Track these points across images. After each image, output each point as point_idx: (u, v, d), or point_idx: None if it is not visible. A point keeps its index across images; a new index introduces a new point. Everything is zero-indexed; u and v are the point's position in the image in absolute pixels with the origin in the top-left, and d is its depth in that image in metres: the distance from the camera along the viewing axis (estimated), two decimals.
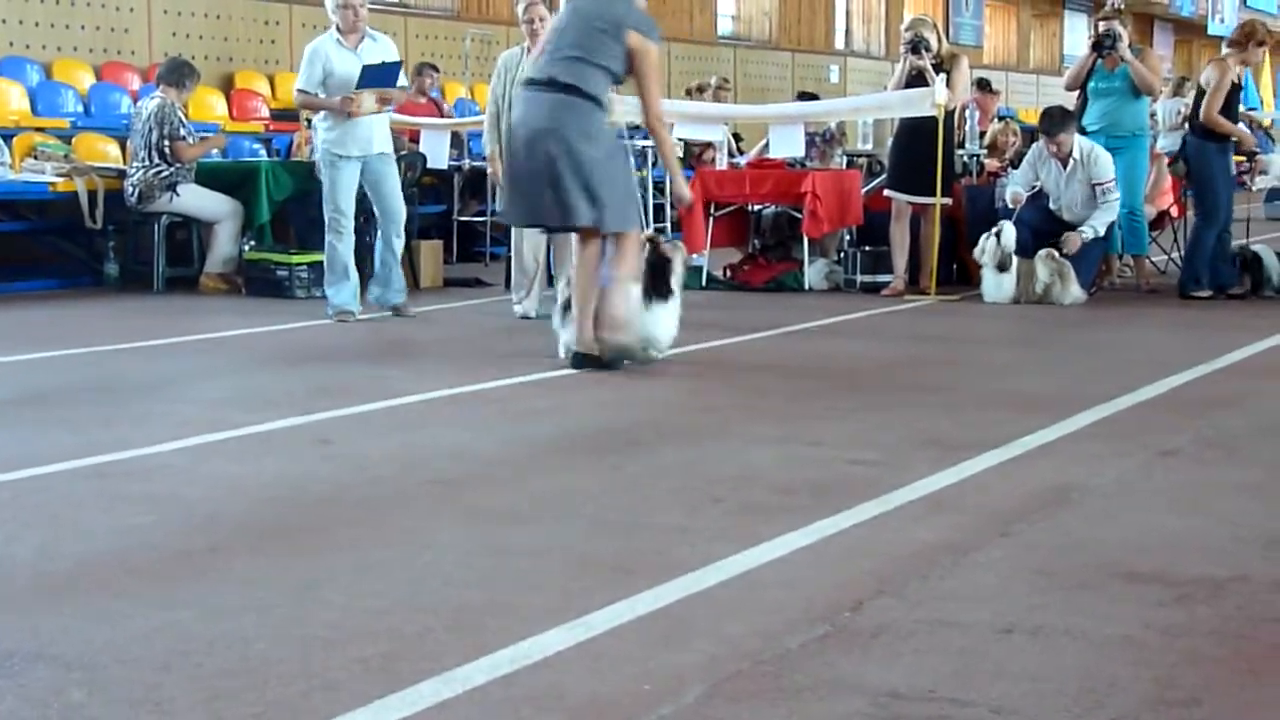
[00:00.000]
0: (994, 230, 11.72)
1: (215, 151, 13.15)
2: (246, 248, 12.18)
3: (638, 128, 15.35)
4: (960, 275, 12.80)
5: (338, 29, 10.55)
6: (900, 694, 3.50)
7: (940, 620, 4.03)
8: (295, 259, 11.94)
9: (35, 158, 12.53)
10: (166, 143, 12.05)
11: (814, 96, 16.40)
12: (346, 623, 4.03)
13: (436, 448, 6.31)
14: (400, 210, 10.72)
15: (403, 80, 10.89)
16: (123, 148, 13.40)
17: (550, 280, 10.67)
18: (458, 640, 3.87)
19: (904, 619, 4.04)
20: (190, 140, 12.22)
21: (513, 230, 10.77)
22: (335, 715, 3.36)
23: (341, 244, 10.51)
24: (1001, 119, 15.47)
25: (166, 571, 4.48)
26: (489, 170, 11.26)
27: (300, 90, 10.64)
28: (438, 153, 14.16)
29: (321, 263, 11.91)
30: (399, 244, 10.74)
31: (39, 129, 13.18)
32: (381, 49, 10.64)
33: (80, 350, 9.07)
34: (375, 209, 10.73)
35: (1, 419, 6.90)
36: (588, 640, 3.86)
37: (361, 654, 3.78)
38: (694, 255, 12.50)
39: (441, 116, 15.40)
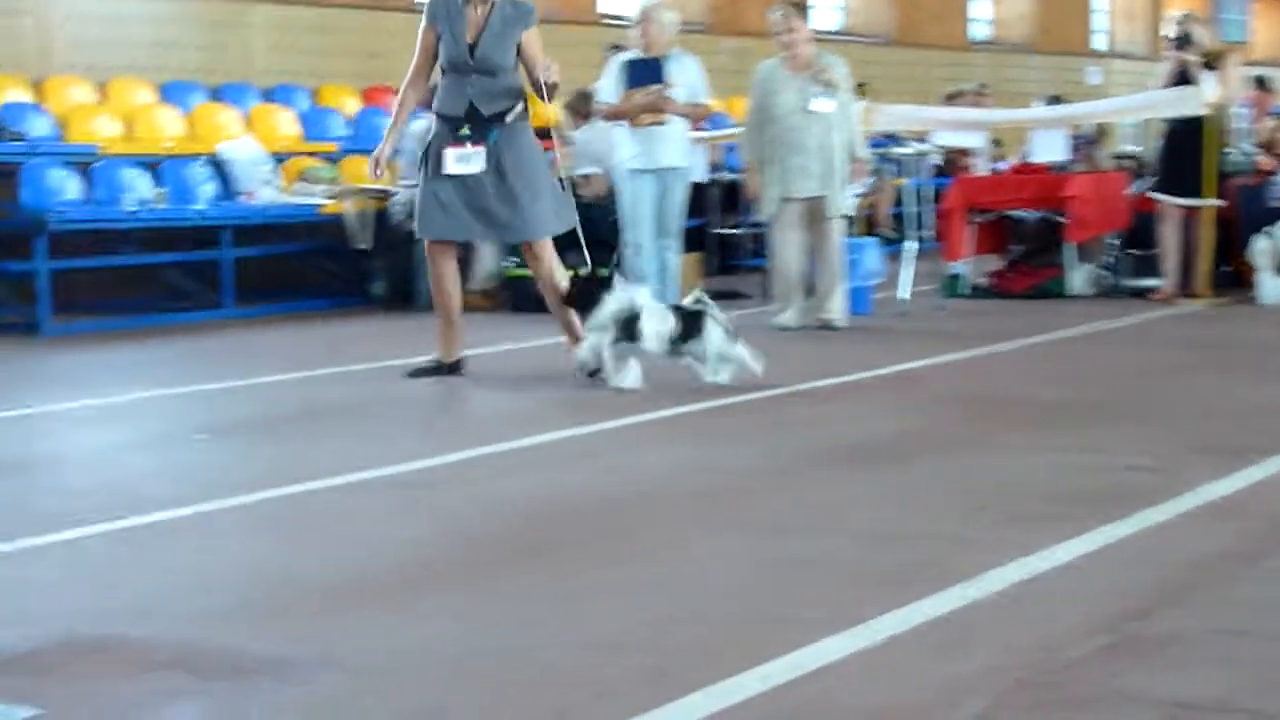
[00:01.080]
0: (1269, 230, 11.31)
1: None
2: (509, 265, 12.35)
3: (891, 136, 15.23)
4: (1234, 279, 12.37)
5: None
6: (1193, 705, 3.38)
7: (1232, 630, 3.88)
8: None
9: (305, 180, 12.91)
10: None
11: (1060, 100, 16.05)
12: (620, 633, 4.04)
13: (700, 459, 6.31)
14: (678, 227, 10.75)
15: (702, 97, 10.85)
16: (389, 170, 13.69)
17: (810, 291, 10.61)
18: (731, 650, 3.84)
19: (1195, 628, 3.90)
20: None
21: (772, 242, 10.74)
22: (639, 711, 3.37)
23: (639, 257, 10.59)
24: (1276, 116, 14.95)
25: (442, 583, 4.54)
26: (746, 182, 11.23)
27: (602, 101, 10.78)
28: (695, 167, 14.18)
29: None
30: (673, 259, 10.76)
31: (308, 153, 13.57)
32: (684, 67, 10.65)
33: (348, 368, 9.28)
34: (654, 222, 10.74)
35: (279, 434, 7.10)
36: (863, 650, 3.81)
37: (638, 663, 3.78)
38: (953, 263, 12.34)
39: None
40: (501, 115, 8.37)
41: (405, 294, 12.61)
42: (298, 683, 3.67)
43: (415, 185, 12.33)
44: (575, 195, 12.54)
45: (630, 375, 7.97)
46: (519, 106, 8.45)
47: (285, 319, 12.11)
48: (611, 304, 7.92)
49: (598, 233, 12.46)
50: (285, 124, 13.94)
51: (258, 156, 12.75)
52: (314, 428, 7.27)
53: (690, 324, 7.93)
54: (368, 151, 13.90)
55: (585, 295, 8.04)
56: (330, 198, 12.68)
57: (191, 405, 7.95)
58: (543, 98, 8.42)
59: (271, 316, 12.18)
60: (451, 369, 8.63)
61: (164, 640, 4.02)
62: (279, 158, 13.09)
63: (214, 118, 13.40)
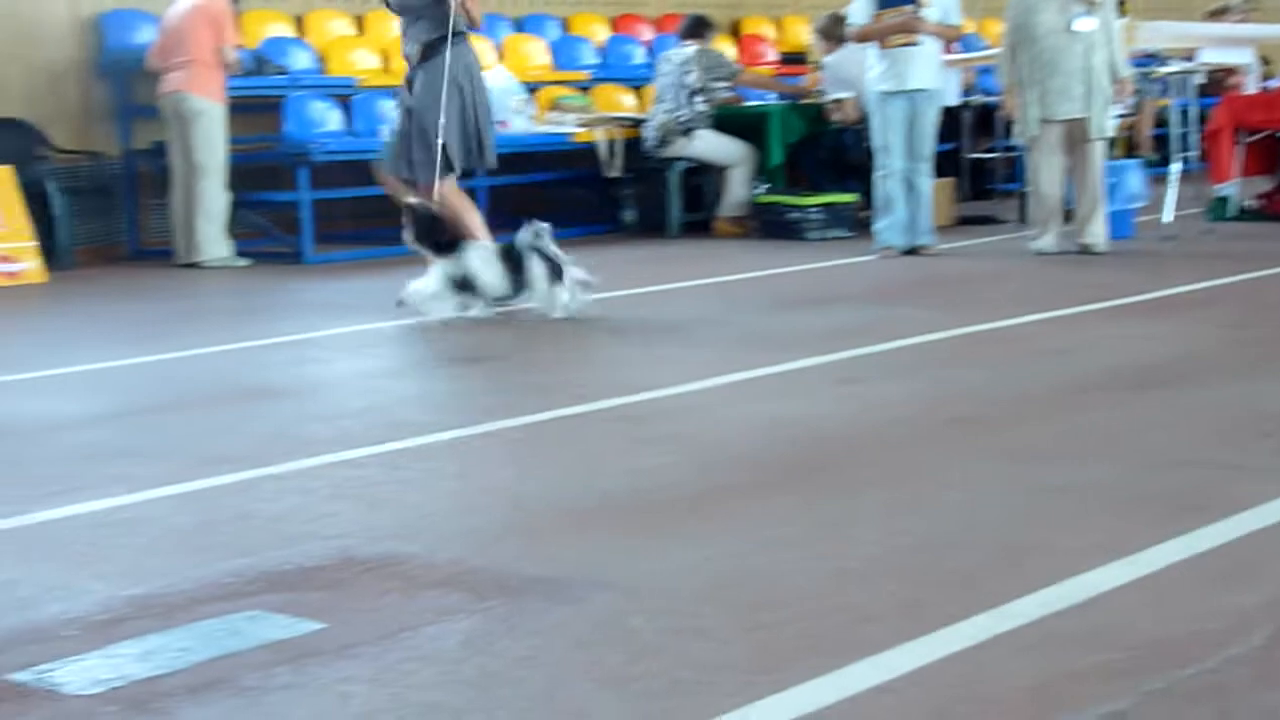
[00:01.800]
0: None
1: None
2: (759, 191, 12.31)
3: (1154, 55, 14.74)
4: None
5: None
6: None
7: None
8: (807, 201, 11.98)
9: (557, 110, 13.00)
10: (714, 83, 12.38)
11: None
12: (879, 559, 4.00)
13: (959, 386, 6.21)
14: (929, 151, 10.58)
15: (955, 18, 10.67)
16: (639, 98, 13.74)
17: (1069, 215, 10.37)
18: (999, 577, 3.78)
19: None
20: (724, 86, 12.56)
21: (1031, 165, 10.52)
22: (879, 649, 3.34)
23: (889, 181, 10.47)
24: None
25: (699, 508, 4.55)
26: (1004, 104, 10.99)
27: (853, 24, 10.67)
28: (947, 90, 13.93)
29: (834, 205, 11.91)
30: (925, 184, 10.60)
31: (559, 82, 13.65)
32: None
33: (603, 295, 9.33)
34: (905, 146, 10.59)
35: (534, 361, 7.18)
36: (1142, 578, 3.71)
37: (898, 590, 3.75)
38: (1220, 185, 11.92)
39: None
40: (421, 54, 8.65)
41: (656, 221, 12.64)
42: (567, 602, 3.71)
43: (670, 111, 12.41)
44: (827, 120, 12.50)
45: (446, 308, 8.15)
46: (433, 40, 8.58)
47: None
48: (446, 267, 8.11)
49: (849, 158, 12.37)
50: (536, 54, 14.03)
51: (510, 86, 12.86)
52: (569, 354, 7.33)
53: (517, 265, 8.09)
54: (619, 80, 14.06)
55: (423, 226, 8.19)
56: (582, 126, 12.75)
57: (444, 332, 8.07)
58: (465, 27, 8.65)
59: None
60: None
61: (434, 560, 4.10)
62: (530, 87, 13.19)
63: None
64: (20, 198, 10.52)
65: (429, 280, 8.17)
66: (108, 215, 11.65)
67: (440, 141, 8.52)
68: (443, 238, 8.19)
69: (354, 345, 7.85)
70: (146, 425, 5.94)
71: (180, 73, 10.97)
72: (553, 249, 8.17)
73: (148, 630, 3.58)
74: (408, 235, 8.25)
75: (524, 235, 8.14)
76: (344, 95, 12.23)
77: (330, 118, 12.01)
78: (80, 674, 3.33)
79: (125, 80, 11.62)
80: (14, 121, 11.26)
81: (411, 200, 8.41)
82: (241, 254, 11.27)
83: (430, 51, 8.61)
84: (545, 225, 8.20)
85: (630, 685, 3.21)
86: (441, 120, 8.52)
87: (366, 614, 3.69)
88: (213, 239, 11.06)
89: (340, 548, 4.20)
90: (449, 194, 8.66)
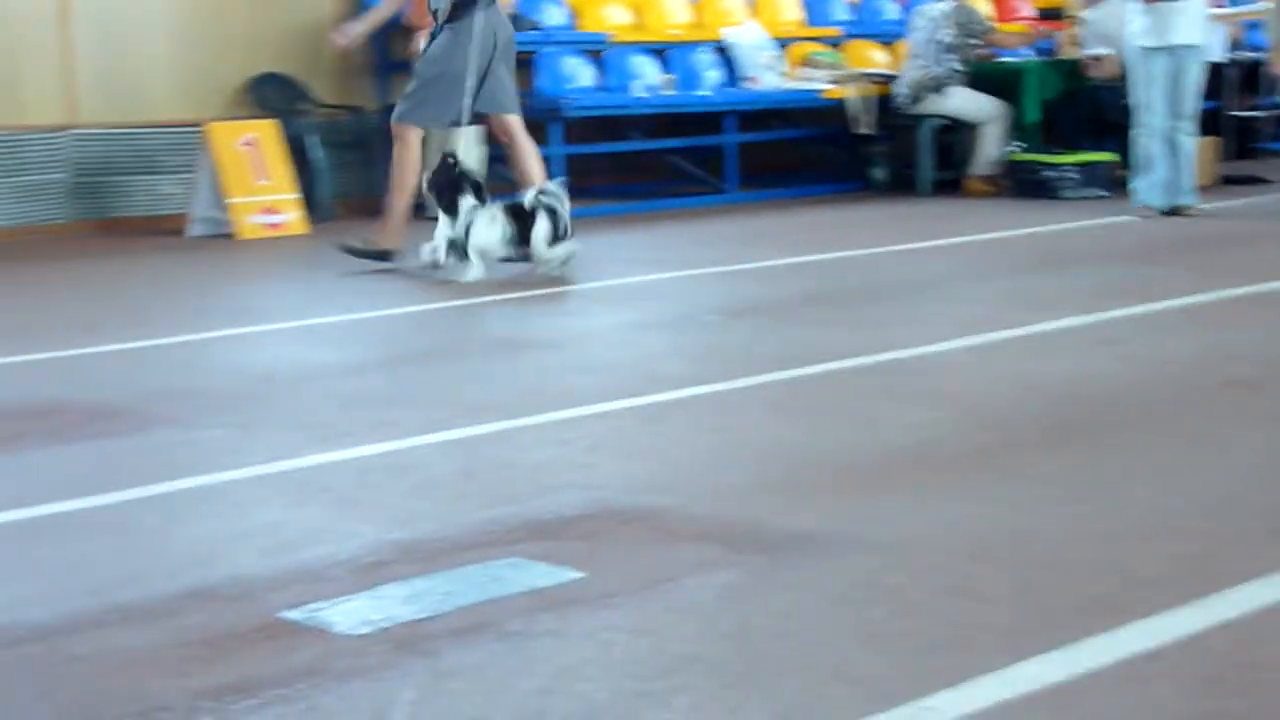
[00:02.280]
0: None
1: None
2: (1013, 149, 12.07)
3: None
4: None
5: None
6: None
7: None
8: (1063, 160, 11.72)
9: (808, 66, 12.90)
10: (969, 40, 12.18)
11: None
12: (1152, 521, 3.90)
13: (1232, 348, 6.02)
14: (1192, 108, 10.26)
15: None
16: (891, 54, 13.56)
17: None
18: (1277, 543, 3.65)
19: None
20: (982, 42, 12.35)
21: None
22: (1151, 613, 3.24)
23: (1148, 138, 10.20)
24: None
25: (963, 466, 4.48)
26: (1270, 62, 10.61)
27: None
28: (1212, 45, 13.49)
29: (1090, 163, 11.64)
30: (1187, 143, 10.28)
31: (811, 38, 13.54)
32: None
33: (852, 252, 9.26)
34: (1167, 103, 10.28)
35: (790, 316, 7.13)
36: None
37: (1174, 552, 3.64)
38: None
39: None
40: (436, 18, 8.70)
41: (906, 179, 12.49)
42: (826, 558, 3.68)
43: (923, 67, 12.23)
44: (1084, 76, 12.20)
45: (472, 271, 8.09)
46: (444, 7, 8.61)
47: (786, 204, 12.16)
48: (444, 227, 8.11)
49: (1108, 115, 12.06)
50: (788, 9, 13.92)
51: (761, 42, 12.80)
52: (824, 310, 7.27)
53: (522, 224, 8.09)
54: (870, 36, 13.90)
55: (443, 184, 8.16)
56: (832, 83, 12.63)
57: (700, 286, 8.08)
58: None
59: (773, 201, 12.25)
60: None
61: (691, 512, 4.10)
62: (782, 43, 13.11)
63: (719, 4, 13.48)
64: (283, 151, 10.79)
65: (437, 238, 8.18)
66: (365, 168, 11.88)
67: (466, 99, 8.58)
68: (454, 195, 8.11)
69: (609, 298, 7.90)
70: (407, 374, 6.06)
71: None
72: (564, 209, 8.18)
73: (412, 574, 3.64)
74: (425, 182, 8.36)
75: (534, 194, 8.22)
76: (596, 51, 12.29)
77: (582, 73, 12.09)
78: (348, 614, 3.39)
79: (383, 36, 11.83)
80: (278, 76, 11.55)
81: (447, 151, 8.50)
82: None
83: (459, 11, 8.60)
84: (557, 185, 8.36)
85: (892, 642, 3.17)
86: (469, 81, 8.56)
87: (625, 564, 3.70)
88: None
89: (599, 498, 4.23)
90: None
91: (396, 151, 8.74)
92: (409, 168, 8.71)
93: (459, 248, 8.08)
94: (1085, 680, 2.95)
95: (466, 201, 8.07)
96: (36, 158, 10.68)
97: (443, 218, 8.15)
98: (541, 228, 8.07)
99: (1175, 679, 2.96)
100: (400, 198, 8.70)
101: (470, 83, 8.52)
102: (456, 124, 8.86)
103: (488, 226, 8.08)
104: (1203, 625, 3.20)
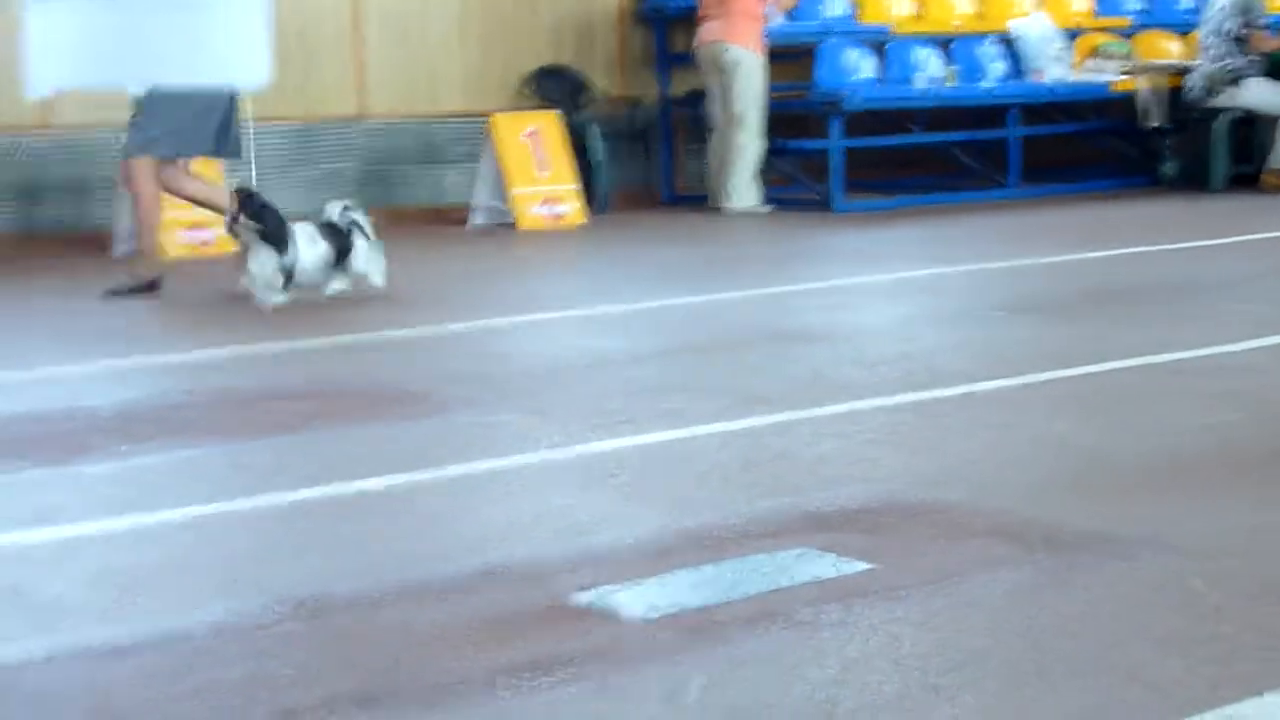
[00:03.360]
0: None
1: None
2: None
3: None
4: None
5: None
6: None
7: None
8: None
9: (1097, 57, 12.63)
10: (1245, 31, 11.78)
11: None
12: None
13: None
14: None
15: None
16: (1184, 45, 13.19)
17: None
18: None
19: None
20: (1269, 31, 11.90)
21: None
22: None
23: None
24: None
25: (1262, 470, 4.35)
26: None
27: None
28: None
29: None
30: None
31: (1100, 29, 13.24)
32: None
33: (1140, 249, 9.04)
34: None
35: (1075, 313, 7.00)
36: None
37: None
38: None
39: None
40: None
41: (1197, 174, 12.14)
42: (1122, 559, 3.60)
43: (1215, 59, 11.87)
44: None
45: (282, 296, 7.51)
46: None
47: (1070, 199, 11.93)
48: (268, 258, 7.45)
49: None
50: (1078, 0, 13.64)
51: (1049, 33, 12.57)
52: (1111, 308, 7.12)
53: (342, 241, 7.62)
54: (1163, 26, 13.54)
55: (259, 214, 7.53)
56: (1122, 75, 12.34)
57: (981, 282, 7.99)
58: None
59: (1056, 197, 12.03)
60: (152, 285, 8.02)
61: (979, 508, 4.05)
62: (1070, 34, 12.85)
63: None
64: (564, 142, 10.95)
65: (260, 266, 7.49)
66: (644, 160, 12.01)
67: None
68: (279, 223, 7.51)
69: (887, 292, 7.85)
70: (689, 364, 6.10)
71: (718, 22, 11.18)
72: (367, 223, 7.74)
73: (699, 561, 3.66)
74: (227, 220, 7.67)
75: (336, 209, 7.72)
76: (877, 43, 12.21)
77: (863, 65, 12.02)
78: (637, 599, 3.43)
79: (664, 28, 11.93)
80: (562, 69, 11.73)
81: (237, 186, 7.92)
82: (770, 200, 11.43)
83: None
84: (350, 202, 7.86)
85: (1192, 647, 3.09)
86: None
87: (912, 559, 3.68)
88: (743, 187, 11.25)
89: (883, 492, 4.20)
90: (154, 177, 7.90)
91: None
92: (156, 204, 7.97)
93: (291, 271, 7.51)
94: None
95: (293, 226, 7.54)
96: (329, 148, 11.03)
97: (263, 250, 7.45)
98: (360, 245, 7.64)
99: None
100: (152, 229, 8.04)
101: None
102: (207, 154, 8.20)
103: (310, 247, 7.55)
104: None
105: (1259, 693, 2.84)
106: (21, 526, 4.06)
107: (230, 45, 6.74)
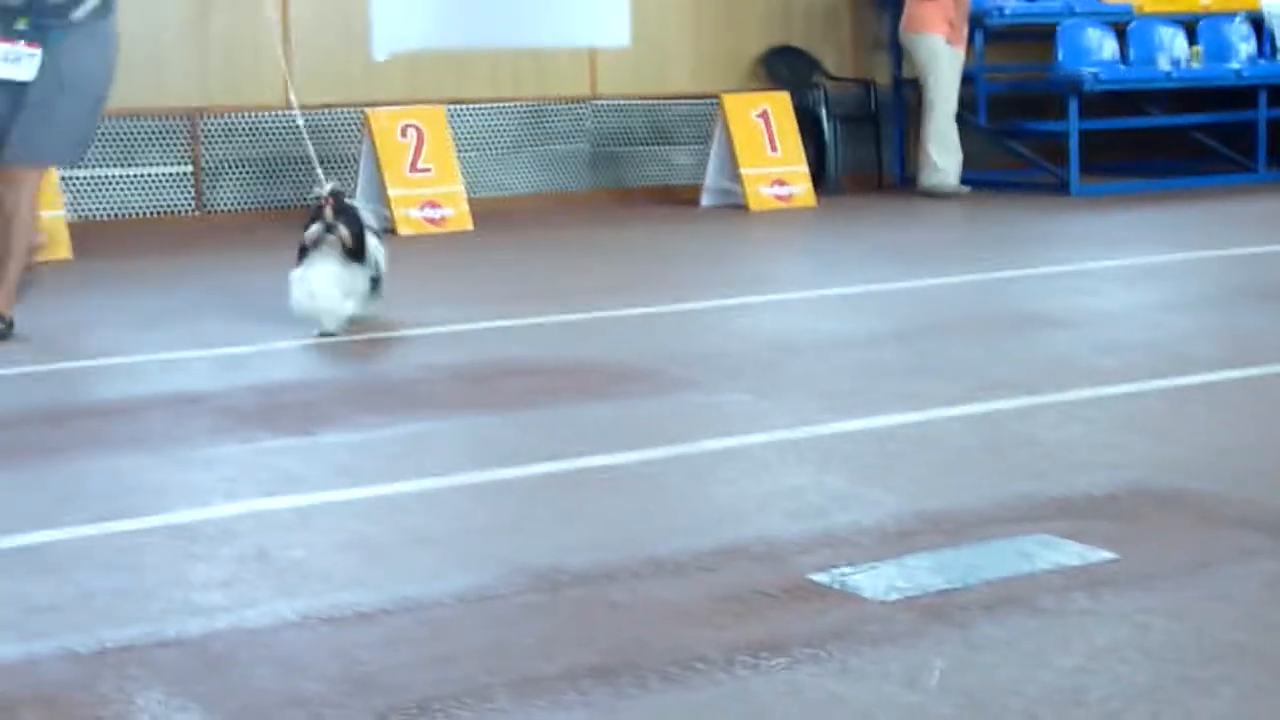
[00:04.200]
0: None
1: None
2: None
3: None
4: None
5: None
6: None
7: None
8: None
9: None
10: None
11: None
12: None
13: None
14: None
15: None
16: None
17: None
18: None
19: None
20: None
21: None
22: None
23: None
24: None
25: None
26: None
27: None
28: None
29: None
30: None
31: None
32: None
33: None
34: None
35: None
36: None
37: None
38: None
39: None
40: (65, 9, 6.27)
41: None
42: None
43: None
44: None
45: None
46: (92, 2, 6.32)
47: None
48: (350, 275, 6.20)
49: None
50: None
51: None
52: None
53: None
54: None
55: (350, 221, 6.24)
56: None
57: (1227, 268, 7.76)
58: None
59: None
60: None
61: (1230, 497, 3.92)
62: None
63: None
64: (794, 123, 10.88)
65: (339, 283, 6.21)
66: (874, 142, 11.88)
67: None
68: (360, 234, 6.27)
69: (1128, 277, 7.65)
70: (926, 347, 6.01)
71: (907, 6, 11.10)
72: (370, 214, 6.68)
73: (939, 544, 3.60)
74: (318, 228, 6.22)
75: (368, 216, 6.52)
76: (1120, 23, 11.91)
77: (1105, 46, 11.74)
78: (876, 580, 3.38)
79: (896, 10, 11.79)
80: (793, 49, 11.67)
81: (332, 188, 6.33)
82: (1005, 183, 11.24)
83: (76, 8, 6.30)
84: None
85: None
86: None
87: (1161, 547, 3.57)
88: (939, 167, 11.07)
89: (1129, 479, 4.09)
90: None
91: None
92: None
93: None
94: None
95: (371, 238, 6.36)
96: (560, 129, 11.11)
97: (340, 266, 6.18)
98: (374, 244, 6.39)
99: None
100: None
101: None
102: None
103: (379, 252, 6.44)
104: None
105: None
106: (264, 494, 4.15)
107: (590, 3, 6.64)
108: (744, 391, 5.25)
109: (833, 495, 4.03)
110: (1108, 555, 3.49)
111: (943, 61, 11.02)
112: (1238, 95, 11.83)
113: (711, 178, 10.78)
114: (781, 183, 10.70)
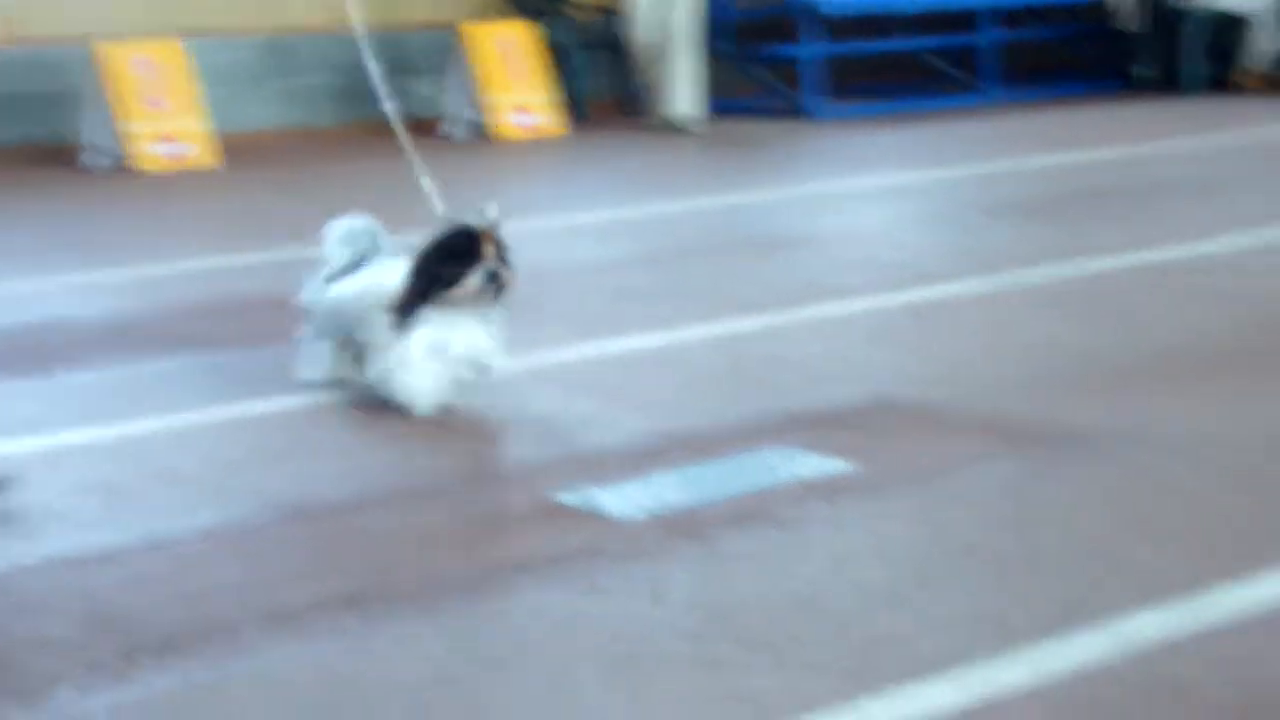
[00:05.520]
0: None
1: None
2: None
3: None
4: None
5: None
6: None
7: None
8: None
9: None
10: None
11: None
12: None
13: None
14: None
15: None
16: None
17: None
18: None
19: None
20: None
21: None
22: None
23: None
24: None
25: (1245, 366, 4.37)
26: None
27: None
28: None
29: None
30: None
31: None
32: None
33: (1117, 151, 9.03)
34: None
35: (1054, 215, 7.00)
36: None
37: None
38: None
39: None
40: None
41: (1172, 77, 12.10)
42: (1107, 453, 3.62)
43: None
44: None
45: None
46: None
47: (1046, 104, 11.87)
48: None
49: None
50: None
51: None
52: (1092, 210, 7.11)
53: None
54: None
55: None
56: None
57: (962, 186, 7.97)
58: None
59: (1032, 101, 11.98)
60: None
61: (966, 406, 4.06)
62: None
63: None
64: (538, 53, 10.85)
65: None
66: (619, 70, 11.90)
67: None
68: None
69: (869, 197, 7.83)
70: (673, 271, 6.08)
71: None
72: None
73: (684, 462, 3.67)
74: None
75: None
76: None
77: None
78: (624, 499, 3.43)
79: None
80: None
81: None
82: (750, 108, 11.36)
83: None
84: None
85: (1173, 538, 3.11)
86: None
87: (900, 455, 3.68)
88: (680, 96, 11.15)
89: (871, 391, 4.20)
90: None
91: None
92: None
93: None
94: None
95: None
96: (304, 61, 10.91)
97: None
98: None
99: None
100: None
101: None
102: None
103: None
104: None
105: (1239, 579, 2.86)
106: (5, 436, 4.04)
107: None
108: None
109: (580, 418, 4.07)
110: (850, 465, 3.59)
111: None
112: (967, 19, 12.13)
113: (455, 108, 10.70)
114: (526, 111, 10.68)
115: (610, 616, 2.81)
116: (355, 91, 10.93)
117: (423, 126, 10.80)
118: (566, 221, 7.25)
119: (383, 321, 4.10)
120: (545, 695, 2.51)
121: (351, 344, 4.26)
